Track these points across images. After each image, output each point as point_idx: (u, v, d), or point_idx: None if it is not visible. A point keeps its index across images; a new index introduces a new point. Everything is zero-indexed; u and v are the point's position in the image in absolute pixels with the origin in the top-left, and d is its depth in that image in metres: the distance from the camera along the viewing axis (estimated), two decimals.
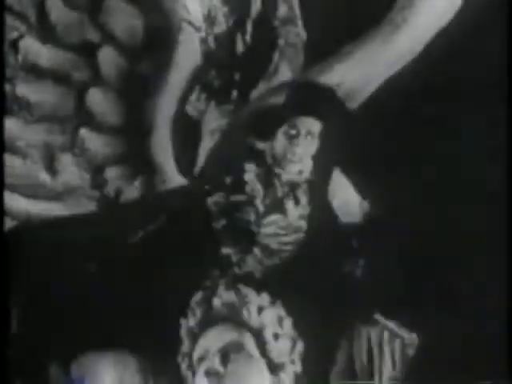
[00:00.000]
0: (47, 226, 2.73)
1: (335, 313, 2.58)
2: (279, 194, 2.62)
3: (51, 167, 2.72)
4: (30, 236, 2.71)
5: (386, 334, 2.59)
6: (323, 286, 2.60)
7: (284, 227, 2.63)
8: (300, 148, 2.61)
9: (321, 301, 2.56)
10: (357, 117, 2.69)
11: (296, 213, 2.63)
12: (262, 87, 2.72)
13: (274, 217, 2.62)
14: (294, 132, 2.60)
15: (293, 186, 2.63)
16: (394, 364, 2.60)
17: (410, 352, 2.60)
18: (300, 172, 2.62)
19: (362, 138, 2.70)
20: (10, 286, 2.64)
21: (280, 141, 2.61)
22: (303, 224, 2.63)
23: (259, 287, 2.57)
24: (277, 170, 2.63)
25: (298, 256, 2.64)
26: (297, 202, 2.63)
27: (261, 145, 2.62)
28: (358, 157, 2.72)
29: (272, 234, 2.62)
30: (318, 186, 2.67)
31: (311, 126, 2.61)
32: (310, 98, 2.66)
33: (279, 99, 2.67)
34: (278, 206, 2.62)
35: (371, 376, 2.59)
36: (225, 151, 2.70)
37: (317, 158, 2.64)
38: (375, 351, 2.59)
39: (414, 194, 2.73)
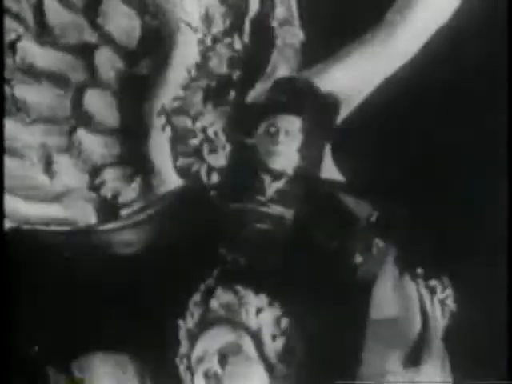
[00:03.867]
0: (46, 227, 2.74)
1: None
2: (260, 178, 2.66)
3: (49, 169, 2.72)
4: (29, 237, 2.70)
5: None
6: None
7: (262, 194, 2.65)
8: (281, 145, 2.63)
9: None
10: (338, 111, 2.70)
11: (273, 186, 2.65)
12: (259, 87, 2.72)
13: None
14: (273, 129, 2.63)
15: (277, 174, 2.65)
16: None
17: None
18: (285, 165, 2.64)
19: (354, 136, 2.71)
20: (10, 288, 2.64)
21: (261, 137, 2.64)
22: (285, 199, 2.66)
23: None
24: (260, 164, 2.65)
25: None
26: (275, 178, 2.65)
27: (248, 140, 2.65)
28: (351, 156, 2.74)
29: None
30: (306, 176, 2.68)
31: (290, 123, 2.63)
32: (289, 94, 2.67)
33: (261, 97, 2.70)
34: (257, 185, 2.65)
35: None
36: None
37: (303, 151, 2.65)
38: None
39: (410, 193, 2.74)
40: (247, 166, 2.67)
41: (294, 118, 2.63)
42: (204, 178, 2.71)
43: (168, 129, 2.72)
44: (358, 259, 2.58)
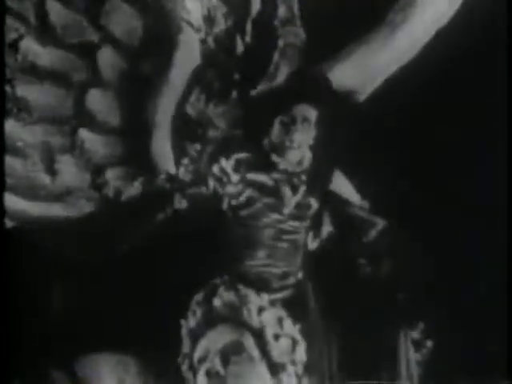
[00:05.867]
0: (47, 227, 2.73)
1: None
2: (274, 181, 2.64)
3: (51, 168, 2.72)
4: (30, 236, 2.70)
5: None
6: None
7: (280, 212, 2.64)
8: (297, 134, 2.61)
9: None
10: (354, 105, 2.70)
11: (293, 201, 2.64)
12: (261, 87, 2.72)
13: (267, 200, 2.63)
14: (289, 119, 2.61)
15: (290, 175, 2.64)
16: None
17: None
18: (299, 162, 2.62)
19: (361, 131, 2.71)
20: (11, 287, 2.64)
21: (277, 129, 2.62)
22: (301, 212, 2.65)
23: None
24: (274, 159, 2.63)
25: None
26: (294, 190, 2.64)
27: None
28: (357, 153, 2.73)
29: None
30: (319, 177, 2.68)
31: (307, 112, 2.61)
32: (304, 85, 2.66)
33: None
34: (274, 192, 2.64)
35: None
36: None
37: (316, 149, 2.65)
38: None
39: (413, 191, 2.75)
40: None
41: (311, 108, 2.61)
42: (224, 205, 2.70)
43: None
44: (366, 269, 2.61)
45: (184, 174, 2.66)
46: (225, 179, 2.63)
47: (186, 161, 2.68)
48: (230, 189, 2.63)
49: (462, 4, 2.72)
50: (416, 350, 2.63)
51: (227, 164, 2.63)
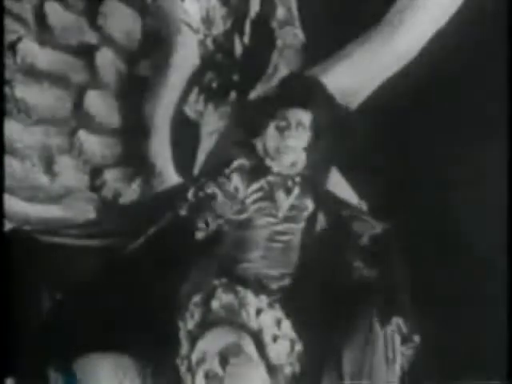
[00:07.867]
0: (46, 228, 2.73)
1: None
2: (268, 185, 2.63)
3: (50, 169, 2.73)
4: (29, 237, 2.70)
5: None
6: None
7: (274, 215, 2.63)
8: (291, 140, 2.59)
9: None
10: (348, 110, 2.70)
11: (286, 203, 2.63)
12: (260, 88, 2.72)
13: (262, 204, 2.63)
14: (284, 124, 2.59)
15: (284, 178, 2.63)
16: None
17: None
18: (293, 164, 2.62)
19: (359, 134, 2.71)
20: (10, 288, 2.64)
21: (272, 133, 2.61)
22: (296, 214, 2.65)
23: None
24: (268, 163, 2.62)
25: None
26: (288, 192, 2.63)
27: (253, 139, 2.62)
28: (354, 154, 2.73)
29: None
30: (314, 179, 2.67)
31: (301, 116, 2.59)
32: (298, 89, 2.65)
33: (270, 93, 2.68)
34: (268, 196, 2.63)
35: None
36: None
37: (310, 151, 2.64)
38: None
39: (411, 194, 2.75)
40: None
41: (304, 112, 2.59)
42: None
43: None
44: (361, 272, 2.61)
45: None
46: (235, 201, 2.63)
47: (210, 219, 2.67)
48: (236, 207, 2.63)
49: (462, 4, 2.72)
50: (403, 345, 2.62)
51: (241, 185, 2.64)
